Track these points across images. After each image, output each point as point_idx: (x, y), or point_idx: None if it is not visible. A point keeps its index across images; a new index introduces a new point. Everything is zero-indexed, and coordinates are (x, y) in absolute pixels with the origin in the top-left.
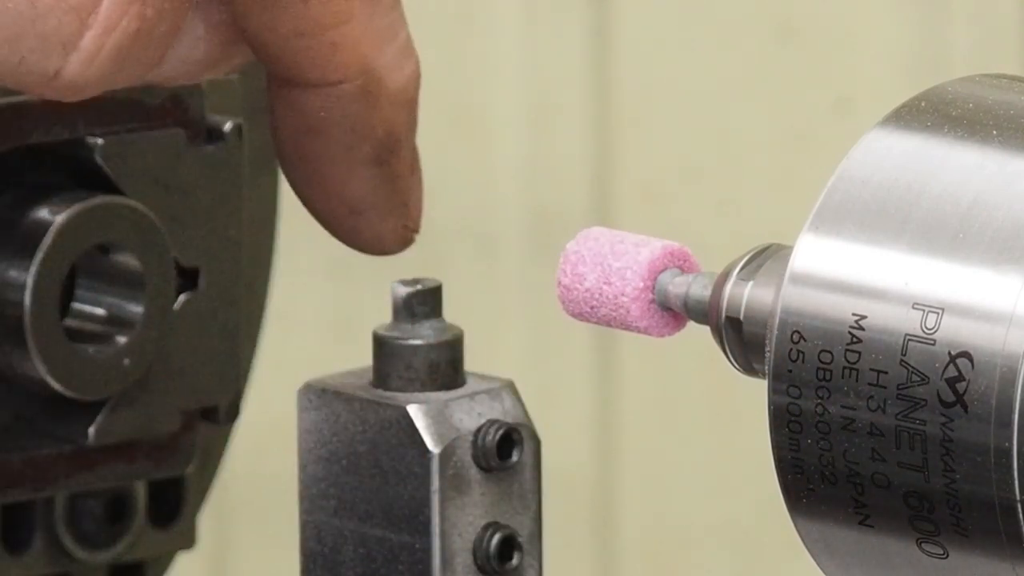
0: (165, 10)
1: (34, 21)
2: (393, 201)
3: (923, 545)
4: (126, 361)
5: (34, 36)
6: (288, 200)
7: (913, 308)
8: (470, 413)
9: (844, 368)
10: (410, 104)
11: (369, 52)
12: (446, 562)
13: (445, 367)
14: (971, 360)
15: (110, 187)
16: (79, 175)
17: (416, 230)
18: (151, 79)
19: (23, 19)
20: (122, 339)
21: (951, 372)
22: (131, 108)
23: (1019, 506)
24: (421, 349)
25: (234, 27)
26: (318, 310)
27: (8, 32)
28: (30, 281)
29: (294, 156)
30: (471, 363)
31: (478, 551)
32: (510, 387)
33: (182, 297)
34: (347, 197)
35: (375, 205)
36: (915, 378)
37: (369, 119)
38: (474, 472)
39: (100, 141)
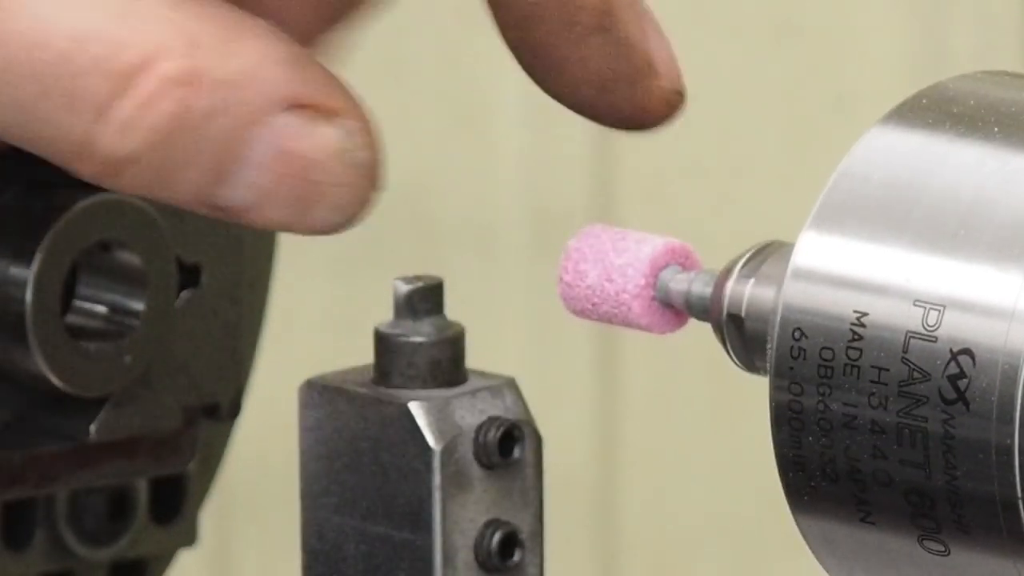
0: (219, 108)
1: (63, 78)
2: (634, 63)
3: (924, 542)
4: (127, 358)
5: (60, 94)
6: None
7: (915, 305)
8: (471, 410)
9: (845, 365)
10: None
11: None
12: (447, 559)
13: (446, 364)
14: (973, 357)
15: None
16: None
17: (678, 91)
18: (225, 203)
19: (52, 73)
20: (124, 336)
21: (952, 369)
22: None
23: (1020, 503)
24: (423, 346)
25: (312, 163)
26: (320, 307)
27: (35, 86)
28: (31, 278)
29: (526, 54)
30: (472, 360)
31: (479, 548)
32: (512, 384)
33: (184, 294)
34: (589, 76)
35: (618, 74)
36: (916, 375)
37: None
38: (475, 469)
39: None
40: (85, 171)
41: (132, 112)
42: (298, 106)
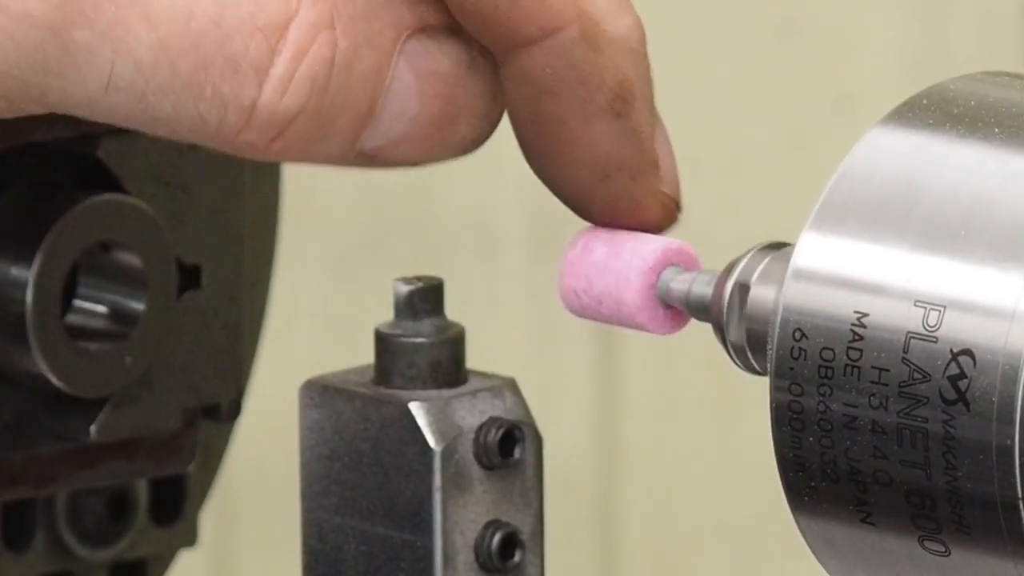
0: (360, 44)
1: (221, 44)
2: (640, 158)
3: (925, 543)
4: (128, 359)
5: (223, 60)
6: (290, 198)
7: (915, 305)
8: (472, 411)
9: (846, 366)
10: (636, 55)
11: None
12: (448, 560)
13: (447, 364)
14: (973, 357)
15: (112, 185)
16: (81, 173)
17: (677, 201)
18: (372, 144)
19: (208, 41)
20: (124, 337)
21: (953, 370)
22: None
23: (1021, 504)
24: (423, 347)
25: (449, 78)
26: (320, 308)
27: (194, 57)
28: (32, 279)
29: (532, 129)
30: (473, 361)
31: (480, 549)
32: (512, 385)
33: (184, 295)
34: (592, 160)
35: (622, 164)
36: (917, 376)
37: (596, 67)
38: (476, 470)
39: (103, 139)
40: (248, 138)
41: (291, 65)
42: (424, 28)
